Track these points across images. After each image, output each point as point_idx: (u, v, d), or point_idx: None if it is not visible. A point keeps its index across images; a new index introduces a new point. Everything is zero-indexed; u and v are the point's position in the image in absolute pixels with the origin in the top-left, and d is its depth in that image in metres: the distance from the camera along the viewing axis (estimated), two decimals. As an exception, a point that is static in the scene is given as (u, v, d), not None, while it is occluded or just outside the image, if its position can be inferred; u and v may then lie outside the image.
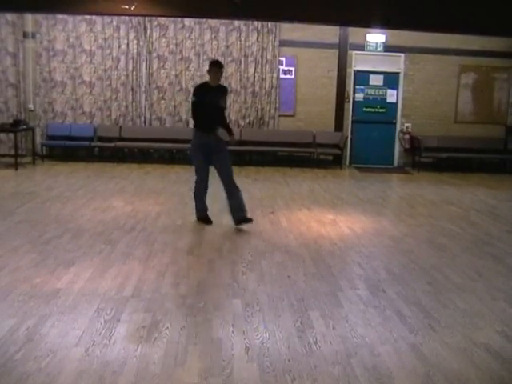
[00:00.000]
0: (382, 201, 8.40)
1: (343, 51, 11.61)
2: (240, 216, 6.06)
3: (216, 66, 6.14)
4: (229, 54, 11.50)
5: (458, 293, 4.27)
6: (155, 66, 11.48)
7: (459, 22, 7.60)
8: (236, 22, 11.32)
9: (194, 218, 6.38)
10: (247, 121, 11.70)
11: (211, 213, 6.39)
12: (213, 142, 6.03)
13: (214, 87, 6.10)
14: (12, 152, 10.47)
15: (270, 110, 11.70)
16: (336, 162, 11.75)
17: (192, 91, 6.43)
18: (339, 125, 11.81)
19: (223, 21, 11.19)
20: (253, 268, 4.72)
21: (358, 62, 11.90)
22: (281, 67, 11.70)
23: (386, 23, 7.78)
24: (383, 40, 11.57)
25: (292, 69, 11.75)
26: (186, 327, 3.47)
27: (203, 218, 6.30)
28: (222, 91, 6.31)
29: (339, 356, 3.14)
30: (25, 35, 11.20)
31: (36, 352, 3.05)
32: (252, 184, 9.22)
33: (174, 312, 3.70)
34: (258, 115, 11.66)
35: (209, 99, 6.00)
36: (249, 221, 6.06)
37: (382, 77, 12.06)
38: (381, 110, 12.17)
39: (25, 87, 11.36)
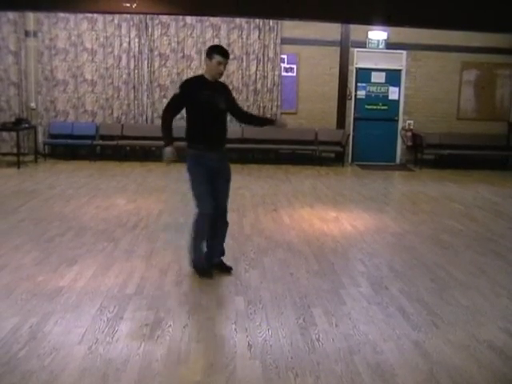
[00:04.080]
0: (385, 198, 8.39)
1: (345, 49, 11.58)
2: (219, 260, 4.57)
3: (224, 56, 4.28)
4: (230, 51, 11.39)
5: (460, 290, 4.27)
6: (157, 64, 11.48)
7: (460, 18, 7.59)
8: (237, 20, 11.30)
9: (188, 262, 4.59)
10: (249, 118, 11.68)
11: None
12: (215, 159, 4.34)
13: (213, 83, 4.35)
14: (14, 150, 10.47)
15: (271, 108, 11.68)
16: (338, 160, 11.74)
17: (179, 85, 4.47)
18: (341, 122, 11.78)
19: (225, 18, 11.17)
20: (255, 265, 4.72)
21: (360, 60, 11.87)
22: (282, 65, 11.69)
23: (386, 20, 7.78)
24: (385, 37, 11.57)
25: (294, 66, 11.74)
26: (189, 325, 3.47)
27: (205, 269, 4.42)
28: (226, 90, 4.52)
29: (342, 353, 3.14)
30: (26, 34, 11.21)
31: (39, 350, 3.05)
32: (254, 182, 9.22)
33: (176, 310, 3.71)
34: (260, 113, 11.64)
35: (207, 98, 4.25)
36: (229, 269, 4.52)
37: (383, 74, 12.04)
38: (383, 108, 12.14)
39: (27, 86, 11.36)
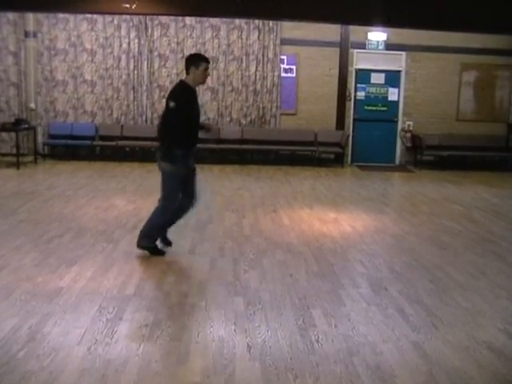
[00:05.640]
0: (384, 199, 8.39)
1: (344, 49, 11.59)
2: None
3: (208, 62, 4.66)
4: (230, 52, 11.48)
5: (460, 291, 4.27)
6: (156, 65, 11.48)
7: (459, 19, 7.59)
8: (237, 21, 11.30)
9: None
10: (248, 119, 11.69)
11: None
12: (192, 157, 4.91)
13: (195, 91, 4.73)
14: (14, 151, 10.46)
15: (271, 109, 11.69)
16: (337, 161, 11.74)
17: (171, 94, 4.64)
18: (341, 123, 11.79)
19: (224, 19, 11.17)
20: (255, 266, 4.72)
21: (360, 61, 11.88)
22: (282, 66, 11.69)
23: (386, 21, 7.78)
24: (384, 38, 11.57)
25: (293, 67, 11.74)
26: (188, 326, 3.47)
27: (159, 249, 5.04)
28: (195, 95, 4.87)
29: (341, 354, 3.14)
30: (26, 34, 11.20)
31: (38, 351, 3.05)
32: (254, 183, 9.22)
33: (175, 310, 3.71)
34: (260, 114, 11.65)
35: (197, 107, 4.80)
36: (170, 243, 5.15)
37: (383, 75, 12.04)
38: (382, 109, 12.15)
39: (26, 86, 11.36)
